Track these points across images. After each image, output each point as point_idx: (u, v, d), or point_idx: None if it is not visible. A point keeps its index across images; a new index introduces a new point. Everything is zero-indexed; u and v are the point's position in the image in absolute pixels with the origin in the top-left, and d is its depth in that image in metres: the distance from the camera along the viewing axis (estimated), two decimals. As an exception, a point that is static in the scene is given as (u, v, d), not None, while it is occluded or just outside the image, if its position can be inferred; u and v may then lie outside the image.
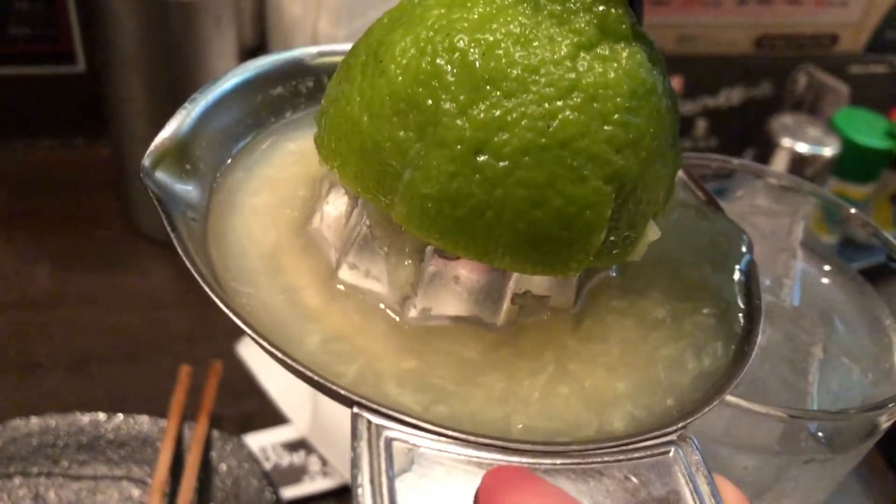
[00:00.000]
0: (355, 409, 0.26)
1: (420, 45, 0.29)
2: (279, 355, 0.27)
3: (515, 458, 0.26)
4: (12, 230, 0.85)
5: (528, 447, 0.27)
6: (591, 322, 0.33)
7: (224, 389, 0.67)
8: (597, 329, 0.33)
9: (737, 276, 0.36)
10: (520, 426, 0.29)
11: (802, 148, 0.85)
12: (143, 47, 0.74)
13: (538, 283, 0.32)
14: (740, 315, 0.34)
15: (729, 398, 0.35)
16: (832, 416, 0.37)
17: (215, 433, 0.64)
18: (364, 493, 0.24)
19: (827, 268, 0.47)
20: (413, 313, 0.31)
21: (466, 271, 0.31)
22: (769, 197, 0.49)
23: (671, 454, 0.28)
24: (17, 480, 0.61)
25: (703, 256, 0.36)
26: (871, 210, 0.94)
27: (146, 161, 0.31)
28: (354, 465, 0.25)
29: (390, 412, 0.26)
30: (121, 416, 0.64)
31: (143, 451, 0.64)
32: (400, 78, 0.29)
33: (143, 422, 0.64)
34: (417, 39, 0.29)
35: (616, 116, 0.28)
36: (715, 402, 0.30)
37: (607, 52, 0.29)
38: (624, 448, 0.28)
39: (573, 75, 0.28)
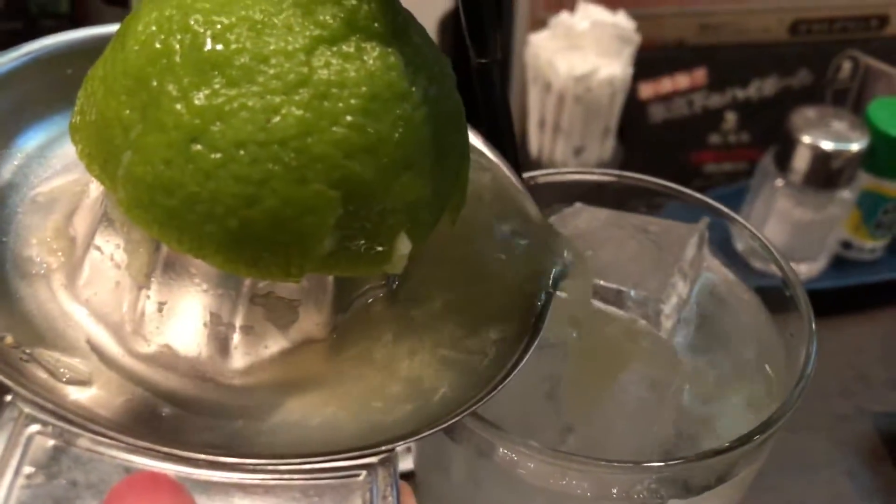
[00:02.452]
0: (9, 398, 0.25)
1: (160, 23, 0.28)
2: None
3: (171, 466, 0.25)
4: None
5: (192, 456, 0.25)
6: (349, 339, 0.32)
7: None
8: (351, 348, 0.32)
9: (534, 298, 0.33)
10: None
11: (826, 144, 0.78)
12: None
13: (283, 285, 0.30)
14: (522, 340, 0.32)
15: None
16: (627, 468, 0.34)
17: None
18: None
19: (726, 286, 0.44)
20: (149, 310, 0.30)
21: (203, 262, 0.29)
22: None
23: (361, 478, 0.26)
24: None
25: (503, 269, 0.34)
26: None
27: None
28: None
29: (42, 401, 0.25)
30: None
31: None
32: (135, 55, 0.28)
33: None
34: (161, 17, 0.28)
35: (348, 118, 0.27)
36: (439, 427, 0.28)
37: (352, 50, 0.27)
38: (306, 465, 0.26)
39: (305, 70, 0.27)
